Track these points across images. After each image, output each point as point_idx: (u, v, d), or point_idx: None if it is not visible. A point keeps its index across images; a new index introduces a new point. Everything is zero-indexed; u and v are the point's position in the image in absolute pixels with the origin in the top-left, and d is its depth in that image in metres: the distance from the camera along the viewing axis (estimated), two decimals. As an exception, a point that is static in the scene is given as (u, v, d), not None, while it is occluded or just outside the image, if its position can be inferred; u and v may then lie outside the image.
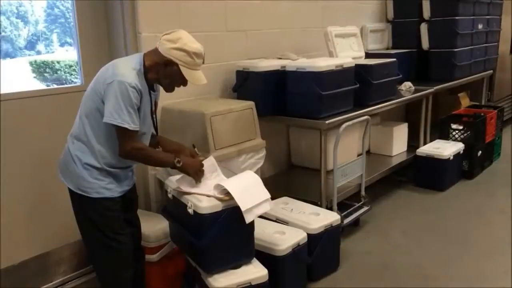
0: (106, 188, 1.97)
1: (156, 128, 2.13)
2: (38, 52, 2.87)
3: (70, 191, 1.99)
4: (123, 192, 2.06)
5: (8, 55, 2.71)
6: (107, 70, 1.91)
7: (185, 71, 1.93)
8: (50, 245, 2.64)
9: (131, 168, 2.12)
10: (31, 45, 2.84)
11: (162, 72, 1.95)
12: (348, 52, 3.84)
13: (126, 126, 1.84)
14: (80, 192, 1.95)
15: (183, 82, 2.00)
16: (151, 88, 2.00)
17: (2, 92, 2.40)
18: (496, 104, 5.57)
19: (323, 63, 3.01)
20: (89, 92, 1.94)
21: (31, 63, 2.84)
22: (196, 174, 2.12)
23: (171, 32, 1.94)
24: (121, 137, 1.89)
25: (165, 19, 2.81)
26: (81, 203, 1.98)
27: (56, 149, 2.15)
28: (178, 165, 2.02)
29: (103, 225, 1.99)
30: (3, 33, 2.63)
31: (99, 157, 1.94)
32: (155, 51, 1.95)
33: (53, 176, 2.17)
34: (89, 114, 1.92)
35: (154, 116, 2.08)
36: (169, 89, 2.04)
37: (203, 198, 2.06)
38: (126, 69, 1.88)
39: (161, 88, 2.12)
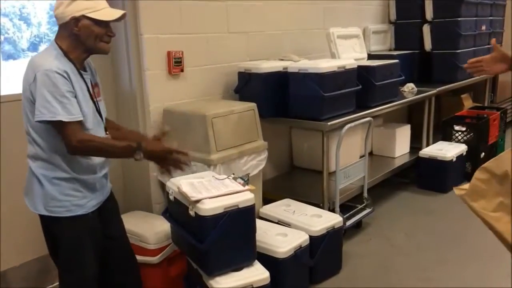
0: (78, 205, 1.82)
1: (100, 114, 1.90)
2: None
3: (40, 216, 1.85)
4: (99, 204, 1.91)
5: (10, 56, 2.71)
6: (27, 72, 1.74)
7: (95, 15, 1.74)
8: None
9: (106, 173, 1.96)
10: (33, 46, 2.85)
11: (81, 36, 1.75)
12: (350, 53, 3.83)
13: (59, 118, 1.65)
14: (48, 214, 1.80)
15: (105, 29, 1.79)
16: (82, 69, 1.83)
17: (2, 94, 2.40)
18: (499, 105, 5.54)
19: (325, 65, 3.00)
20: (23, 104, 1.76)
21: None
22: (166, 160, 1.84)
23: (55, 4, 1.77)
24: (61, 132, 1.69)
25: (167, 21, 2.81)
26: (50, 224, 1.84)
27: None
28: (138, 156, 1.76)
29: (69, 250, 1.85)
30: (5, 35, 2.64)
31: (66, 166, 1.79)
32: (60, 29, 1.79)
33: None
34: (34, 127, 1.75)
35: (96, 100, 1.87)
36: (100, 47, 1.81)
37: (205, 201, 2.05)
38: (42, 59, 1.72)
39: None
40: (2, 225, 2.41)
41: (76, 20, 1.74)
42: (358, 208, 3.31)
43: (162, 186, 2.78)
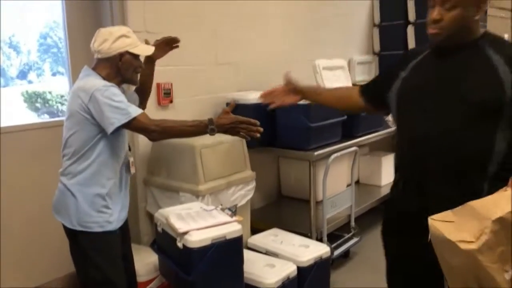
0: (109, 222, 1.95)
1: None
2: (30, 82, 2.89)
3: (68, 229, 1.95)
4: (122, 221, 2.05)
5: (-1, 85, 2.72)
6: (78, 96, 1.87)
7: (135, 50, 1.97)
8: (42, 279, 2.60)
9: (127, 192, 2.12)
10: (22, 74, 2.86)
11: (122, 68, 1.96)
12: (335, 84, 3.89)
13: (133, 115, 1.83)
14: (81, 229, 1.91)
15: (138, 64, 2.03)
16: None
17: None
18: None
19: (311, 96, 3.06)
20: (70, 128, 1.91)
21: (22, 94, 2.86)
22: (237, 129, 2.02)
23: (95, 38, 1.95)
24: (138, 127, 1.88)
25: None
26: (82, 239, 1.94)
27: (53, 182, 2.14)
28: (211, 131, 1.94)
29: (101, 263, 1.95)
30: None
31: (104, 180, 1.93)
32: (101, 61, 1.95)
33: (49, 209, 2.14)
34: (81, 148, 1.89)
35: None
36: (134, 78, 2.05)
37: (192, 232, 2.06)
38: (91, 82, 1.88)
39: None
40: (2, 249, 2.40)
41: (121, 54, 1.93)
42: (345, 237, 3.32)
43: (151, 217, 2.77)
